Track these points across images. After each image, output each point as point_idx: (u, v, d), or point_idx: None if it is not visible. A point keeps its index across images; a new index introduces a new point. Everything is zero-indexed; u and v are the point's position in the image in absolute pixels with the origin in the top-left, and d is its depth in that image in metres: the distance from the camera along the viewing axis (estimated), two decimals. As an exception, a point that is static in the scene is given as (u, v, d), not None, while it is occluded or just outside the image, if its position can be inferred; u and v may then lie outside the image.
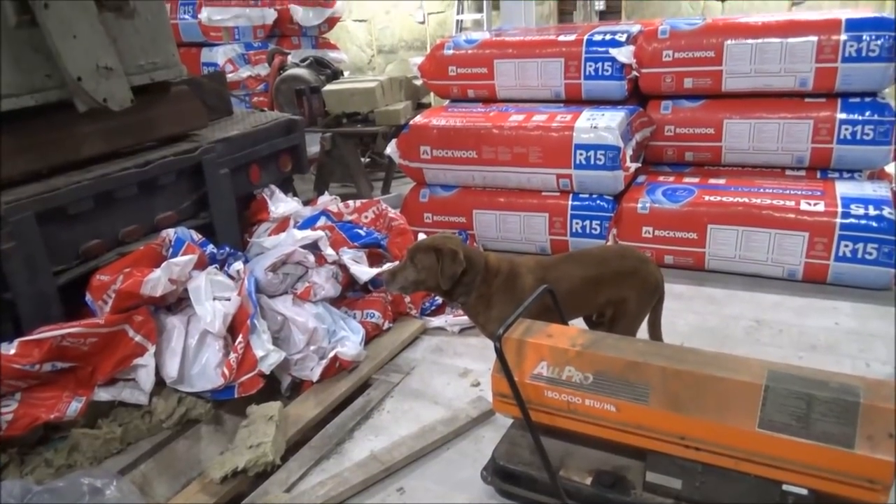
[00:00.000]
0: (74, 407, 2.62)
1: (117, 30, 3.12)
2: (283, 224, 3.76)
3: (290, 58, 6.26)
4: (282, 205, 3.87)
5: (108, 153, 3.22)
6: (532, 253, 4.48)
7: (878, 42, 3.88)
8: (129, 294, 2.80)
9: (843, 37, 3.95)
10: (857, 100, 4.08)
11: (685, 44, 4.30)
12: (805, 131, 4.14)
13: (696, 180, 4.27)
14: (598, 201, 4.26)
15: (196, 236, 3.29)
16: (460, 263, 2.43)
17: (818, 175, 4.27)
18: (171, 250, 3.11)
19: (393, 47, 9.72)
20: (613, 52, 4.40)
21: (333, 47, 7.62)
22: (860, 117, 4.01)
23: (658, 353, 1.97)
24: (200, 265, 3.14)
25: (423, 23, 9.38)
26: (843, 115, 4.05)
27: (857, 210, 3.66)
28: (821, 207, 3.72)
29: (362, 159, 6.30)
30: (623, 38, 4.47)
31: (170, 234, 3.17)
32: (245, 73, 6.47)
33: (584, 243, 4.30)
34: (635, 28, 4.63)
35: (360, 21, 9.79)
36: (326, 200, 4.03)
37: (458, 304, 2.58)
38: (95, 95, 2.93)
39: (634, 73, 4.46)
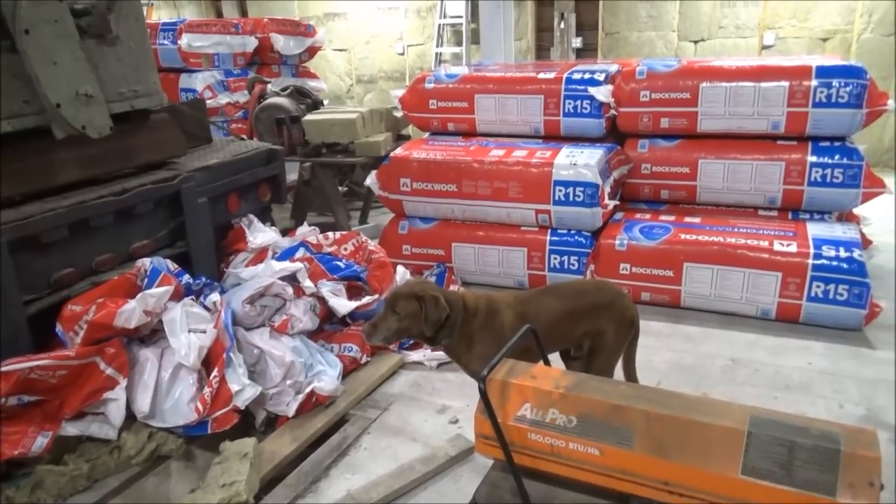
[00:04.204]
0: (40, 442, 2.54)
1: (99, 57, 3.10)
2: (260, 254, 3.72)
3: (269, 86, 6.26)
4: (260, 235, 3.83)
5: (85, 180, 3.17)
6: (510, 287, 4.51)
7: (847, 89, 4.01)
8: (102, 325, 2.74)
9: (814, 83, 4.07)
10: (828, 144, 4.19)
11: (662, 85, 4.39)
12: (777, 173, 4.24)
13: (671, 218, 4.33)
14: (576, 237, 4.30)
15: (172, 266, 3.24)
16: (444, 309, 2.41)
17: (790, 216, 4.36)
18: (146, 280, 3.05)
19: (372, 77, 9.78)
20: (592, 90, 4.48)
21: (313, 76, 7.64)
22: (830, 161, 4.12)
23: (641, 397, 1.96)
24: (176, 296, 3.08)
25: (402, 54, 9.47)
26: (813, 158, 4.15)
27: (829, 251, 3.74)
28: (793, 248, 3.80)
29: (340, 188, 6.30)
30: (601, 77, 4.56)
31: (145, 263, 3.12)
32: (224, 99, 6.45)
33: (561, 279, 4.31)
34: (613, 68, 4.73)
35: (341, 51, 9.86)
36: (305, 231, 4.00)
37: (440, 346, 2.55)
38: (74, 122, 2.90)
39: (612, 111, 4.54)
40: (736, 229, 4.06)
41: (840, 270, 3.66)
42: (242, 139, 4.49)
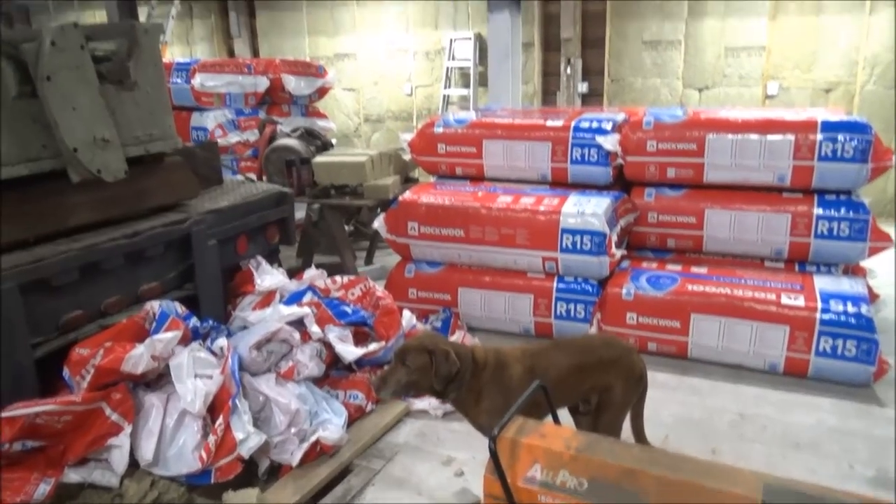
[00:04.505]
0: (42, 489, 2.51)
1: (117, 102, 3.15)
2: (268, 297, 3.72)
3: (280, 126, 6.34)
4: (268, 277, 3.84)
5: (98, 222, 3.19)
6: (516, 334, 4.50)
7: (853, 144, 4.05)
8: (109, 370, 2.73)
9: (819, 137, 4.11)
10: (834, 197, 4.22)
11: (668, 135, 4.44)
12: (784, 224, 4.25)
13: (678, 268, 4.34)
14: (583, 285, 4.30)
15: (180, 309, 3.24)
16: (454, 363, 2.40)
17: (796, 268, 4.36)
18: (154, 324, 3.05)
19: (380, 117, 9.90)
20: (600, 139, 4.53)
21: (322, 116, 7.74)
22: (836, 214, 4.14)
23: (654, 461, 1.94)
24: (184, 340, 3.08)
25: (410, 95, 9.59)
26: (819, 211, 4.18)
27: (836, 306, 3.73)
28: (801, 302, 3.79)
29: (346, 227, 6.33)
30: (609, 126, 4.61)
31: (154, 307, 3.12)
32: (234, 138, 6.52)
33: (568, 326, 4.31)
34: (620, 116, 4.78)
35: (350, 90, 9.99)
36: (314, 275, 4.00)
37: (448, 400, 2.54)
38: (90, 166, 2.93)
39: (619, 160, 4.58)
40: (743, 281, 4.06)
41: (848, 325, 3.65)
42: (252, 180, 4.53)
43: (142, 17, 8.91)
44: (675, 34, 7.87)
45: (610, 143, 4.53)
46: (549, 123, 4.76)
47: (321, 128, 7.48)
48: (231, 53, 10.82)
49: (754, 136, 4.25)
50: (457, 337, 4.32)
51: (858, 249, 4.14)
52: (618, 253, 4.23)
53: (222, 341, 3.14)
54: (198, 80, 6.31)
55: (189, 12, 11.06)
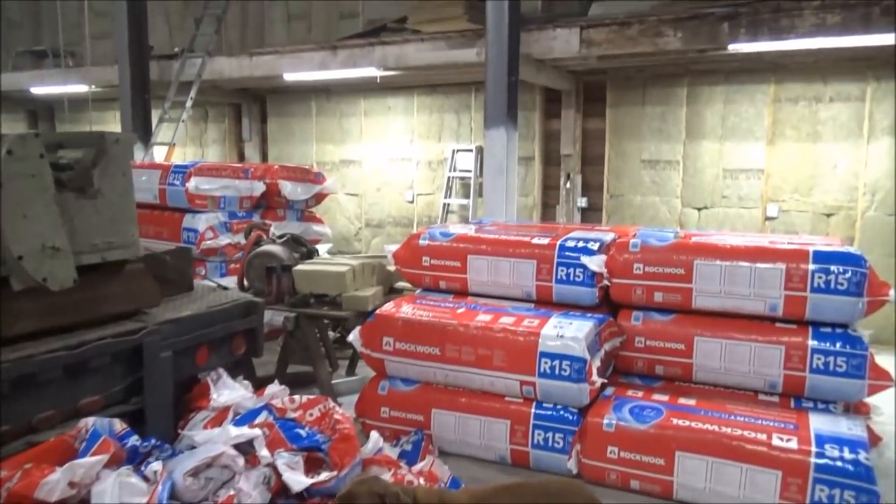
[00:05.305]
0: None
1: (76, 209, 3.09)
2: (222, 414, 3.51)
3: (272, 229, 6.32)
4: (225, 392, 3.65)
5: (44, 330, 3.06)
6: (491, 461, 4.21)
7: (846, 276, 3.88)
8: (21, 497, 2.50)
9: (812, 267, 3.96)
10: (829, 329, 4.01)
11: (655, 259, 4.31)
12: (777, 356, 4.02)
13: (665, 398, 4.08)
14: (562, 412, 4.05)
15: (119, 426, 3.04)
16: None
17: (792, 403, 4.09)
18: (84, 444, 2.84)
19: (381, 222, 9.95)
20: (585, 259, 4.40)
21: (318, 221, 7.75)
22: (832, 347, 3.91)
23: None
24: (115, 462, 2.86)
25: (411, 202, 9.67)
26: (814, 344, 3.95)
27: (832, 451, 3.44)
28: (793, 444, 3.51)
29: (332, 334, 6.15)
30: (595, 246, 4.49)
31: (88, 424, 2.92)
32: (224, 240, 6.50)
33: (545, 457, 4.03)
34: (609, 237, 4.68)
35: (353, 195, 10.12)
36: (274, 391, 3.79)
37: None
38: (35, 274, 2.83)
39: (605, 281, 4.44)
40: (733, 417, 3.79)
41: (845, 474, 3.35)
42: (225, 288, 4.42)
43: (154, 118, 9.22)
44: (674, 154, 7.93)
45: (595, 263, 4.40)
46: (535, 241, 4.66)
47: (316, 233, 7.49)
48: (241, 156, 11.09)
49: (744, 264, 4.11)
50: (426, 462, 4.03)
51: (857, 387, 3.88)
52: (598, 381, 3.99)
53: (157, 465, 2.91)
54: (192, 183, 6.36)
55: (204, 116, 11.45)
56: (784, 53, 6.78)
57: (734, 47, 6.30)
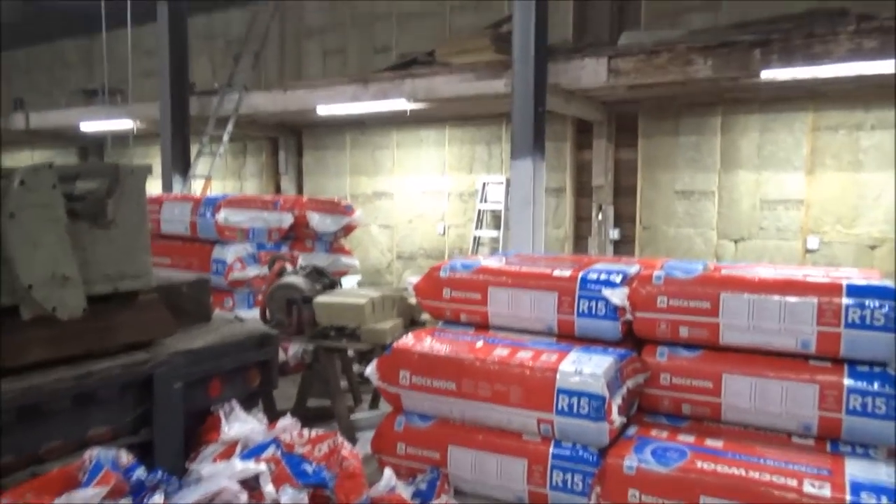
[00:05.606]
0: None
1: (89, 239, 3.13)
2: (230, 448, 3.47)
3: (300, 260, 6.36)
4: (236, 425, 3.61)
5: (53, 359, 3.08)
6: (509, 503, 4.06)
7: (883, 311, 3.67)
8: (16, 529, 2.49)
9: (845, 301, 3.75)
10: (867, 368, 3.78)
11: (679, 291, 4.15)
12: (811, 396, 3.80)
13: (691, 440, 3.89)
14: (581, 452, 3.89)
15: (125, 458, 3.02)
16: None
17: (828, 447, 3.85)
18: (86, 475, 2.83)
19: (412, 254, 9.96)
20: (606, 292, 4.27)
21: (347, 252, 7.78)
22: (870, 388, 3.68)
23: None
24: (117, 494, 2.84)
25: (443, 234, 9.67)
26: (850, 383, 3.73)
27: (868, 499, 3.22)
28: (826, 492, 3.29)
29: (356, 366, 6.11)
30: (618, 278, 4.36)
31: (92, 455, 2.91)
32: (252, 272, 6.56)
33: (564, 499, 3.87)
34: (634, 269, 4.54)
35: (385, 227, 10.17)
36: (286, 425, 3.74)
37: None
38: (44, 304, 2.86)
39: (629, 315, 4.29)
40: (762, 461, 3.58)
41: (884, 526, 3.12)
42: (241, 320, 4.43)
43: (193, 152, 9.47)
44: (708, 185, 7.75)
45: (617, 296, 4.27)
46: (557, 273, 4.55)
47: (344, 264, 7.51)
48: (278, 189, 11.29)
49: (773, 298, 3.92)
50: (442, 501, 3.92)
51: (897, 430, 3.63)
52: (618, 420, 3.83)
53: (159, 499, 2.88)
54: (222, 215, 6.47)
55: (244, 150, 11.73)
56: (822, 81, 6.59)
57: (767, 74, 6.15)
